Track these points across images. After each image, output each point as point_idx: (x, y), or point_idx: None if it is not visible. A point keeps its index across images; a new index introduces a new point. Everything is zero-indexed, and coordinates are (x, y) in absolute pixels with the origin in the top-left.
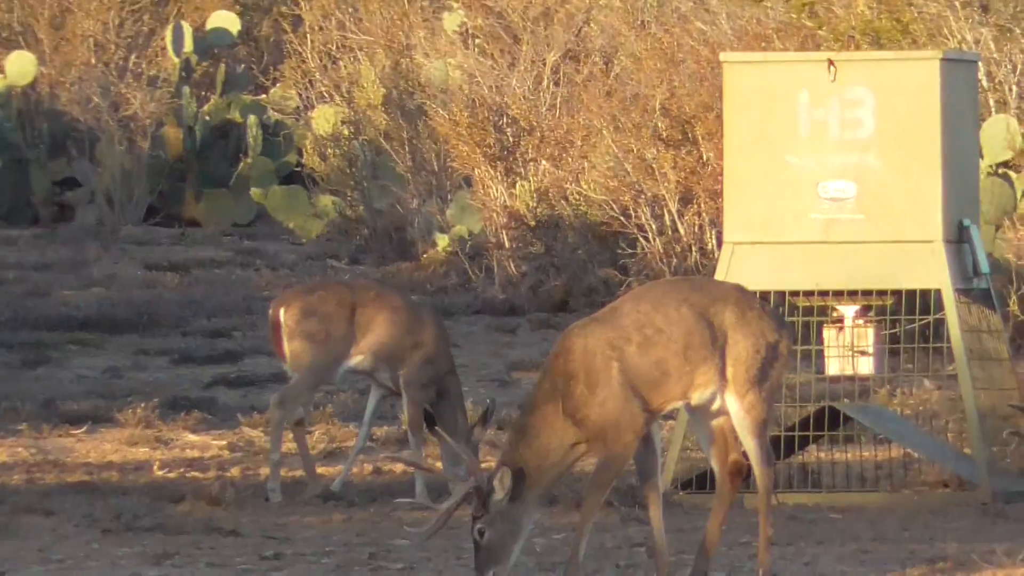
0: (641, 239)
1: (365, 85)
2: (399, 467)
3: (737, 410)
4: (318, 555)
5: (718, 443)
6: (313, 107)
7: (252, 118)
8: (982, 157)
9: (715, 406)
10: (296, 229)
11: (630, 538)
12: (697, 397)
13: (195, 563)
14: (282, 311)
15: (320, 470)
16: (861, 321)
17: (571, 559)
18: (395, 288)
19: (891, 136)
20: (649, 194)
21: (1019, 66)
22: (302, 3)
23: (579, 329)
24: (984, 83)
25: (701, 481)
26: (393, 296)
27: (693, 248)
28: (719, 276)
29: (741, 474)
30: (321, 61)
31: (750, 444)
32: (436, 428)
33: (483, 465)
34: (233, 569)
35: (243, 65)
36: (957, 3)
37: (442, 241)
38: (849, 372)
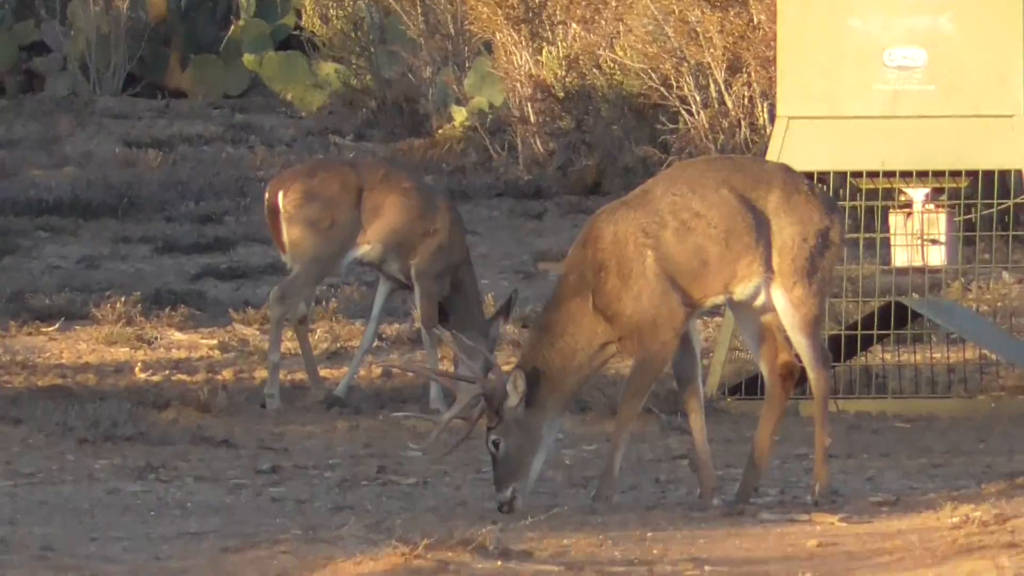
0: (684, 112)
1: None
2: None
3: (785, 305)
4: (320, 468)
5: (767, 342)
6: None
7: None
8: None
9: (760, 301)
10: (294, 101)
11: (671, 449)
12: (740, 291)
13: (182, 477)
14: (280, 194)
15: (323, 372)
16: (932, 206)
17: (606, 473)
18: (405, 168)
19: None
20: (692, 62)
21: None
22: None
23: (607, 214)
24: None
25: (751, 386)
26: (403, 177)
27: (742, 123)
28: (772, 155)
29: (793, 377)
30: None
31: (801, 343)
32: (449, 325)
33: (504, 365)
34: (225, 484)
35: None
36: None
37: (459, 115)
38: (918, 263)
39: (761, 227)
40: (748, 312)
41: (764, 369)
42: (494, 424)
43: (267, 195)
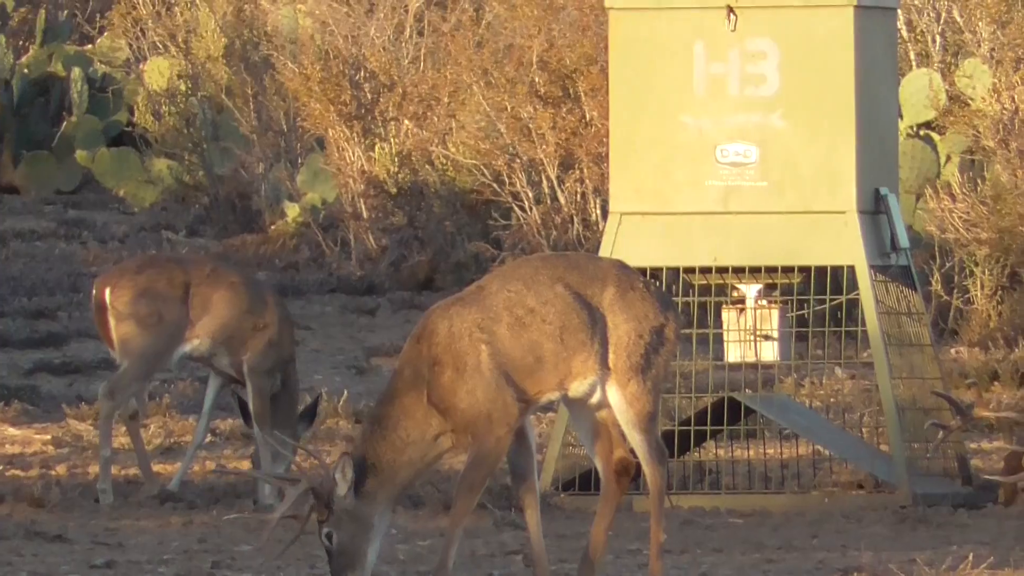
0: (516, 209)
1: (204, 34)
2: (246, 465)
3: (619, 401)
4: (155, 563)
5: (602, 438)
6: (145, 59)
7: (76, 71)
8: (901, 117)
9: (595, 398)
10: (127, 197)
11: (505, 545)
12: (575, 388)
13: (16, 572)
14: (107, 291)
15: (157, 468)
16: (764, 302)
17: (440, 567)
18: (233, 264)
19: (798, 94)
20: (525, 158)
21: (943, 14)
22: None
23: (442, 309)
24: (904, 33)
25: (585, 481)
26: (231, 273)
27: (575, 219)
28: (604, 250)
29: (628, 473)
30: (154, 7)
31: (636, 439)
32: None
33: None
34: None
35: (66, 11)
36: None
37: (292, 211)
38: (751, 359)
39: (596, 324)
40: (582, 408)
41: (599, 465)
42: (325, 517)
43: (94, 292)
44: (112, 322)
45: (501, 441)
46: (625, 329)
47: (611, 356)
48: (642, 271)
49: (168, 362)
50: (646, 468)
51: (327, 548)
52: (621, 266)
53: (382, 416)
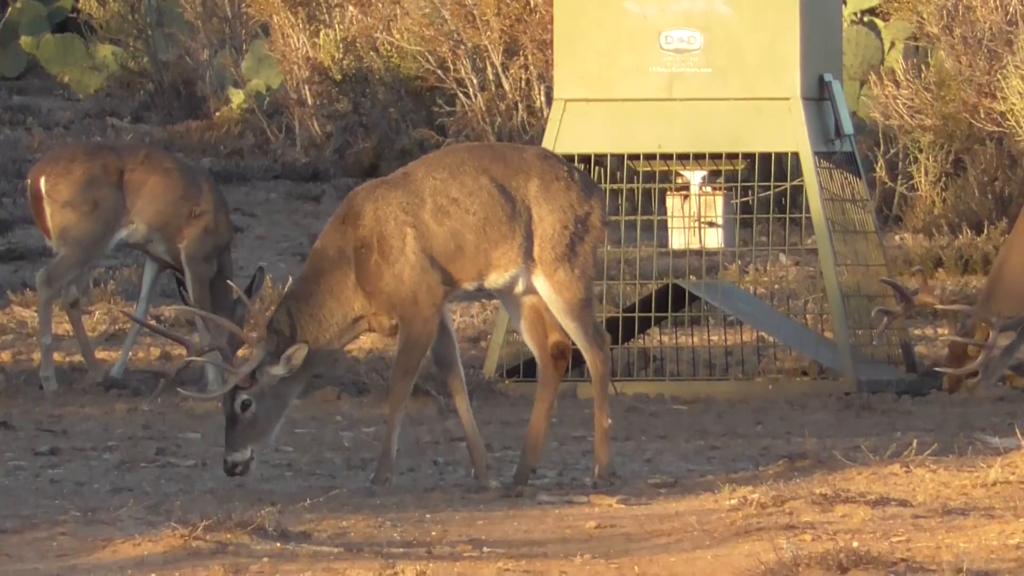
0: (461, 95)
1: None
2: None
3: (548, 291)
4: (99, 450)
5: (534, 323)
6: None
7: None
8: (845, 3)
9: (519, 288)
10: (72, 83)
11: (449, 432)
12: (493, 279)
13: None
14: (42, 179)
15: (101, 355)
16: (709, 188)
17: (384, 454)
18: (167, 151)
19: None
20: (469, 44)
21: None
22: None
23: (367, 193)
24: None
25: (529, 368)
26: (165, 159)
27: (520, 106)
28: (549, 137)
29: (565, 357)
30: None
31: (571, 328)
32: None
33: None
34: (3, 466)
35: None
36: None
37: (237, 97)
38: (695, 246)
39: (520, 216)
40: (512, 296)
41: (535, 351)
42: (247, 385)
43: (30, 180)
44: (48, 210)
45: (428, 322)
46: (550, 220)
47: (536, 247)
48: (586, 158)
49: (104, 248)
50: (586, 354)
51: (234, 416)
52: (545, 155)
53: (307, 295)
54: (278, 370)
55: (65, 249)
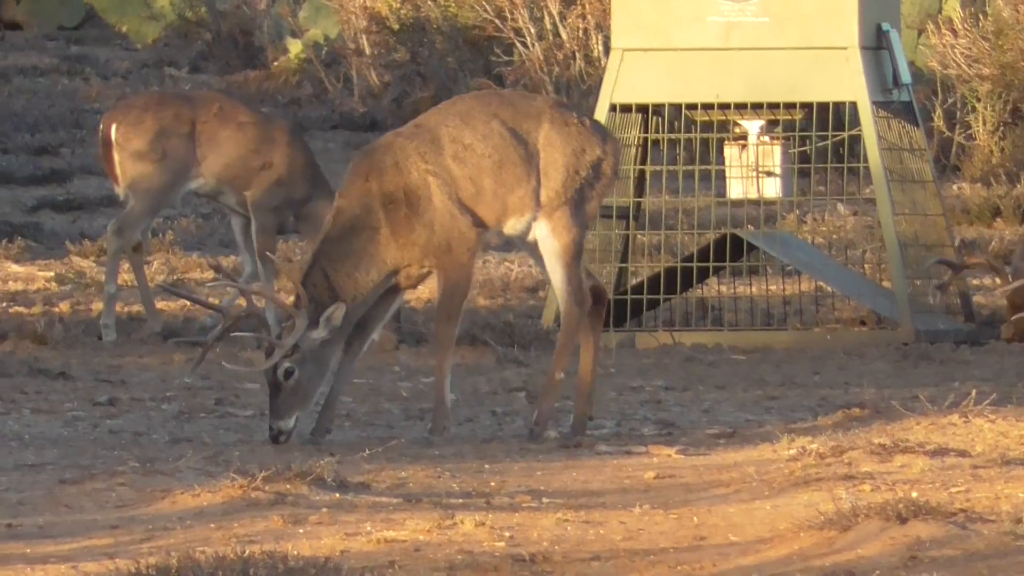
0: (518, 44)
1: None
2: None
3: (544, 233)
4: (157, 400)
5: None
6: None
7: None
8: None
9: (532, 235)
10: (130, 33)
11: (507, 382)
12: (511, 225)
13: (19, 409)
14: (113, 127)
15: (160, 304)
16: (767, 138)
17: (437, 403)
18: (241, 101)
19: None
20: None
21: None
22: None
23: (385, 146)
24: None
25: None
26: (239, 111)
27: (577, 55)
28: (606, 86)
29: (602, 301)
30: None
31: (557, 274)
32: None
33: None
34: (62, 416)
35: None
36: None
37: (294, 47)
38: (753, 195)
39: (531, 160)
40: (533, 245)
41: None
42: (289, 353)
43: (101, 127)
44: (117, 158)
45: (465, 267)
46: (560, 164)
47: (544, 191)
48: (643, 107)
49: (174, 199)
50: (562, 306)
51: (277, 384)
52: (556, 103)
53: (340, 253)
54: (319, 333)
55: (135, 199)
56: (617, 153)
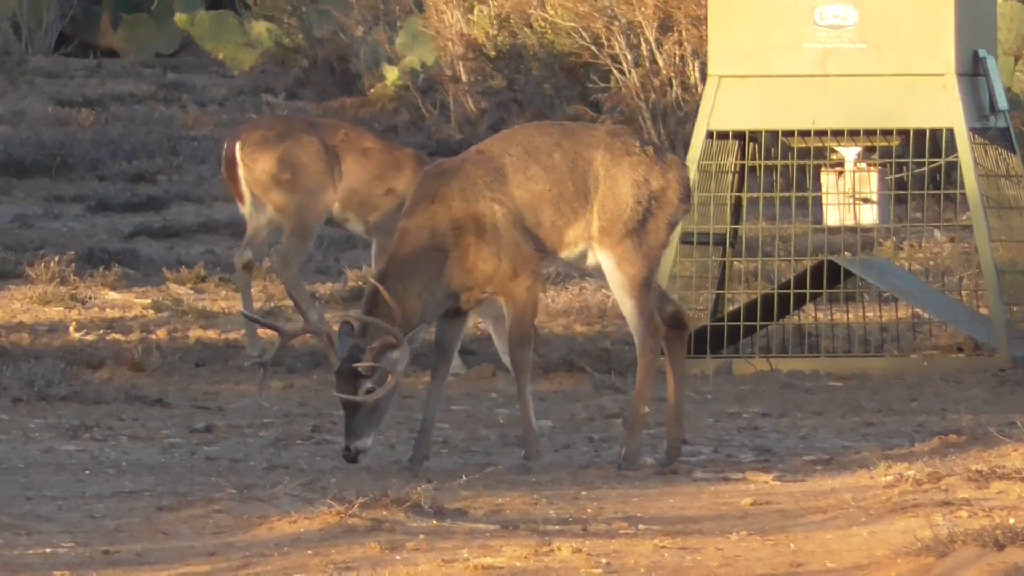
0: (615, 71)
1: None
2: None
3: (609, 265)
4: (255, 428)
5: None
6: None
7: None
8: None
9: (590, 263)
10: (226, 60)
11: (604, 408)
12: (567, 253)
13: (116, 436)
14: (237, 146)
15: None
16: (863, 164)
17: (525, 429)
18: (369, 129)
19: None
20: (624, 20)
21: None
22: None
23: (451, 172)
24: None
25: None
26: (365, 137)
27: (674, 81)
28: (703, 113)
29: (684, 324)
30: None
31: (627, 306)
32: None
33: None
34: (159, 443)
35: None
36: None
37: (391, 74)
38: (850, 222)
39: (591, 190)
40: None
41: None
42: (368, 374)
43: (225, 146)
44: (243, 178)
45: (531, 290)
46: (621, 194)
47: (605, 221)
48: (740, 134)
49: (319, 217)
50: (636, 338)
51: (356, 404)
52: (616, 132)
53: (407, 275)
54: (399, 355)
55: (290, 226)
56: (683, 180)
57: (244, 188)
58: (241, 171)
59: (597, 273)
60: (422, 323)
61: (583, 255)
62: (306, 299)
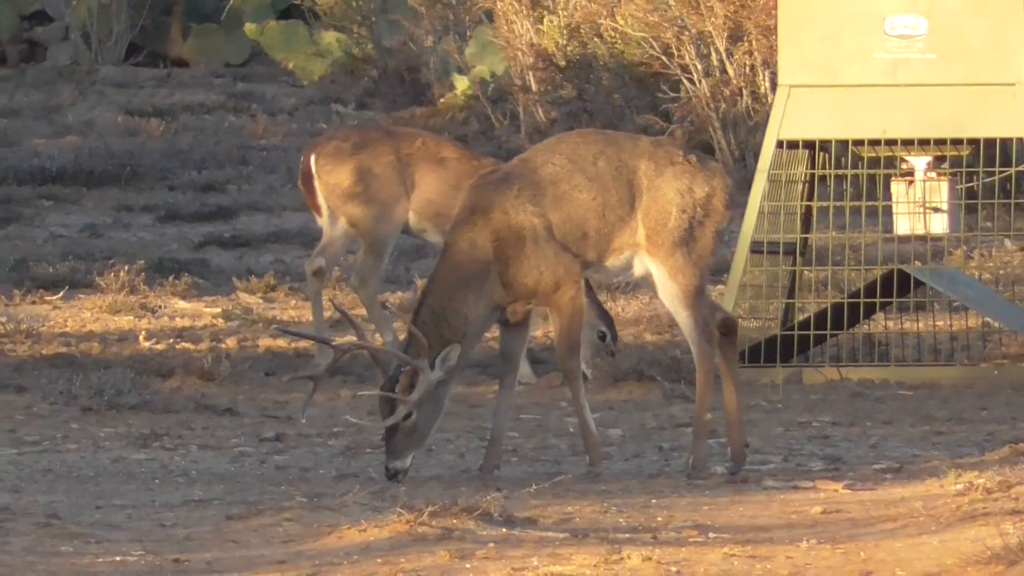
0: (685, 81)
1: None
2: None
3: (661, 276)
4: (324, 436)
5: None
6: None
7: None
8: None
9: (636, 272)
10: (296, 70)
11: (674, 417)
12: (611, 262)
13: (186, 445)
14: (312, 157)
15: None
16: (933, 174)
17: (585, 435)
18: (448, 139)
19: None
20: (694, 30)
21: None
22: None
23: (494, 185)
24: None
25: (754, 353)
26: (443, 147)
27: (744, 91)
28: (773, 123)
29: (733, 331)
30: None
31: (681, 316)
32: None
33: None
34: (229, 452)
35: None
36: None
37: (461, 83)
38: (920, 231)
39: (635, 200)
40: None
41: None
42: (408, 395)
43: (302, 158)
44: (319, 190)
45: (575, 299)
46: (666, 203)
47: (652, 231)
48: (810, 143)
49: (394, 233)
50: (693, 347)
51: (394, 424)
52: (660, 142)
53: (448, 291)
54: (436, 374)
55: (366, 242)
56: (727, 188)
57: (320, 200)
58: (317, 183)
59: (643, 282)
60: (471, 337)
61: (629, 263)
62: (381, 318)
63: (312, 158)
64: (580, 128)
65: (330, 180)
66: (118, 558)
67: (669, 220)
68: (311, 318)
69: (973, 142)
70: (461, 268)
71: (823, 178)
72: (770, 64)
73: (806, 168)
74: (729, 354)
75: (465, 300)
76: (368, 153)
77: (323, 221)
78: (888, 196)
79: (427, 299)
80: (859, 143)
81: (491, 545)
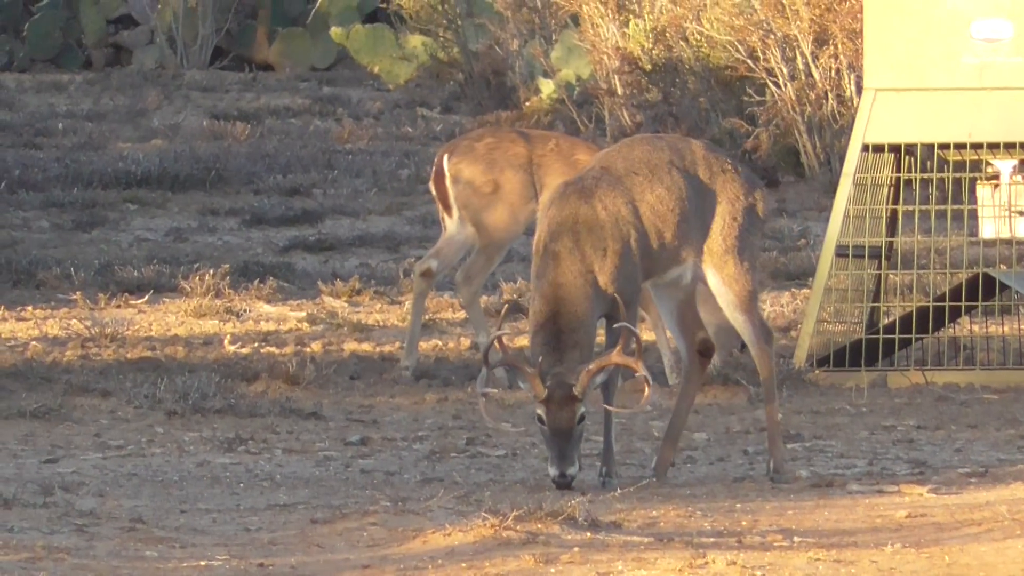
0: (771, 85)
1: None
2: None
3: (718, 284)
4: (409, 440)
5: (684, 318)
6: None
7: None
8: None
9: (686, 280)
10: (382, 74)
11: (759, 421)
12: (672, 272)
13: (271, 449)
14: (445, 157)
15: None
16: (1020, 177)
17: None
18: (581, 139)
19: None
20: (780, 34)
21: None
22: None
23: (589, 192)
24: None
25: (839, 357)
26: (577, 148)
27: (829, 95)
28: (858, 126)
29: (710, 355)
30: None
31: (739, 321)
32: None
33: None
34: (314, 456)
35: None
36: None
37: (546, 87)
38: (1006, 235)
39: (700, 209)
40: (668, 291)
41: (683, 347)
42: (583, 398)
43: (436, 159)
44: (450, 190)
45: (636, 314)
46: (720, 211)
47: (708, 239)
48: (896, 147)
49: (515, 236)
50: (752, 350)
51: (570, 430)
52: (708, 147)
53: (573, 301)
54: (601, 377)
55: (482, 243)
56: (765, 198)
57: (451, 201)
58: (448, 183)
59: (680, 289)
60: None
61: (682, 272)
62: (479, 319)
63: (445, 157)
64: (665, 132)
65: (459, 180)
66: (203, 562)
67: (724, 226)
68: (407, 322)
69: None
70: (577, 278)
71: (908, 182)
72: (855, 68)
73: (891, 171)
74: (695, 377)
75: (587, 308)
76: (500, 154)
77: (450, 222)
78: (973, 200)
79: (562, 313)
80: (945, 147)
81: (576, 549)
